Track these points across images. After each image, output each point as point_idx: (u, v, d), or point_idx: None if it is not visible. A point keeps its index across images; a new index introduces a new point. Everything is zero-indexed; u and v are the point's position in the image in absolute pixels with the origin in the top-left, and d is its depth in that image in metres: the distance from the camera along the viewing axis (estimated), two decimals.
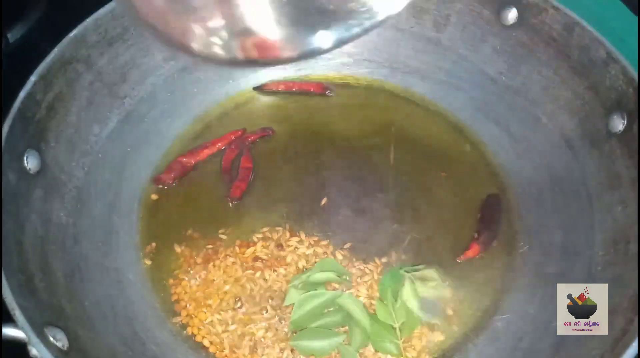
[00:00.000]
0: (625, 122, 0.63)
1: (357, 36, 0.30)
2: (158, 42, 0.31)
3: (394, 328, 0.61)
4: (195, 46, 0.29)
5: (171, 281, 0.67)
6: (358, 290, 0.65)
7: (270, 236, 0.69)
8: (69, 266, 0.61)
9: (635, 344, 0.50)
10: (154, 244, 0.69)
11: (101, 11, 0.68)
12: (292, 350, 0.62)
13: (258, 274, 0.66)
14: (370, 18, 0.29)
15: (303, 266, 0.67)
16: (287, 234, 0.69)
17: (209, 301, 0.65)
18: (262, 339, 0.63)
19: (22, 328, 0.48)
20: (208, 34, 0.29)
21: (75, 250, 0.63)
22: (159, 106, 0.77)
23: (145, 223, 0.71)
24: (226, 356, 0.62)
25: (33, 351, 0.48)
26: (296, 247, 0.68)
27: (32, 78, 0.61)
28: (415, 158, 0.76)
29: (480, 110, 0.79)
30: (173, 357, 0.62)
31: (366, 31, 0.29)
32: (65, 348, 0.51)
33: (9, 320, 0.49)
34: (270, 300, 0.65)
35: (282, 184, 0.74)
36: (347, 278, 0.65)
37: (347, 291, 0.64)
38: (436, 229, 0.70)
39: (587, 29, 0.66)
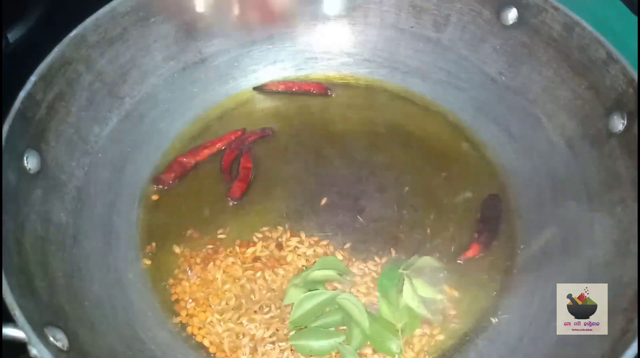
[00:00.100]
0: (625, 122, 0.63)
1: None
2: None
3: (396, 328, 0.61)
4: None
5: (171, 281, 0.67)
6: (358, 290, 0.65)
7: (270, 236, 0.69)
8: (69, 266, 0.61)
9: (635, 344, 0.50)
10: (154, 244, 0.69)
11: (101, 11, 0.68)
12: (292, 350, 0.62)
13: (258, 274, 0.66)
14: None
15: (303, 266, 0.67)
16: (287, 234, 0.70)
17: (209, 301, 0.65)
18: (262, 339, 0.63)
19: (22, 328, 0.48)
20: None
21: (75, 250, 0.63)
22: (159, 106, 0.77)
23: (145, 223, 0.71)
24: (226, 356, 0.62)
25: (33, 351, 0.48)
26: (296, 247, 0.68)
27: (32, 78, 0.61)
28: (415, 158, 0.76)
29: (480, 110, 0.79)
30: (173, 357, 0.62)
31: None
32: (65, 348, 0.51)
33: (9, 320, 0.49)
34: (270, 300, 0.65)
35: (282, 184, 0.74)
36: (349, 277, 0.65)
37: (347, 291, 0.64)
38: (436, 229, 0.70)
39: (587, 29, 0.66)
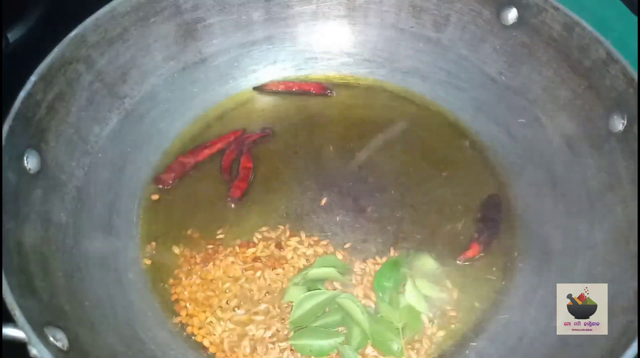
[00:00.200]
0: (625, 122, 0.62)
1: None
2: None
3: (396, 328, 0.61)
4: None
5: (171, 281, 0.67)
6: (358, 290, 0.65)
7: (270, 236, 0.69)
8: (69, 266, 0.61)
9: (635, 344, 0.50)
10: (154, 244, 0.69)
11: (101, 11, 0.68)
12: (292, 350, 0.62)
13: (258, 274, 0.66)
14: None
15: (303, 266, 0.67)
16: (287, 234, 0.70)
17: (209, 301, 0.65)
18: (262, 339, 0.63)
19: (22, 328, 0.48)
20: None
21: (75, 250, 0.63)
22: (159, 106, 0.77)
23: (145, 223, 0.71)
24: (226, 356, 0.62)
25: (33, 351, 0.48)
26: (296, 247, 0.68)
27: (32, 78, 0.61)
28: (415, 158, 0.76)
29: (480, 110, 0.79)
30: (173, 357, 0.62)
31: None
32: (65, 348, 0.51)
33: (9, 320, 0.49)
34: (270, 300, 0.65)
35: (282, 184, 0.74)
36: (349, 275, 0.65)
37: (347, 291, 0.64)
38: (436, 229, 0.70)
39: (587, 29, 0.66)
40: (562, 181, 0.70)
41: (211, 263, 0.67)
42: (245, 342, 0.63)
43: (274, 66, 0.83)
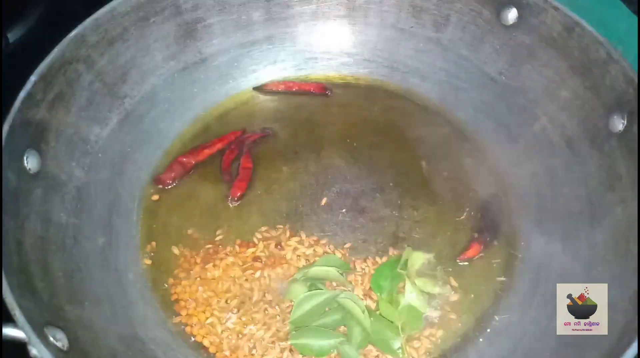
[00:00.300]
0: (625, 122, 0.62)
1: None
2: None
3: (397, 327, 0.61)
4: None
5: (171, 281, 0.67)
6: (358, 289, 0.65)
7: (270, 235, 0.69)
8: (69, 266, 0.61)
9: (635, 344, 0.50)
10: (153, 244, 0.69)
11: (101, 11, 0.68)
12: (292, 350, 0.62)
13: (258, 274, 0.66)
14: None
15: (303, 266, 0.67)
16: (287, 234, 0.70)
17: (209, 301, 0.65)
18: (262, 339, 0.63)
19: (22, 328, 0.48)
20: None
21: (75, 250, 0.63)
22: (159, 106, 0.77)
23: (145, 223, 0.71)
24: (226, 356, 0.62)
25: (33, 351, 0.48)
26: (296, 247, 0.68)
27: (32, 78, 0.61)
28: (415, 157, 0.76)
29: (480, 110, 0.79)
30: (173, 357, 0.62)
31: None
32: (65, 348, 0.51)
33: (9, 320, 0.49)
34: (270, 300, 0.65)
35: (282, 184, 0.74)
36: (349, 274, 0.65)
37: (347, 291, 0.64)
38: (436, 229, 0.70)
39: (587, 29, 0.66)
40: (562, 181, 0.70)
41: (211, 263, 0.67)
42: (245, 342, 0.63)
43: (274, 66, 0.83)
